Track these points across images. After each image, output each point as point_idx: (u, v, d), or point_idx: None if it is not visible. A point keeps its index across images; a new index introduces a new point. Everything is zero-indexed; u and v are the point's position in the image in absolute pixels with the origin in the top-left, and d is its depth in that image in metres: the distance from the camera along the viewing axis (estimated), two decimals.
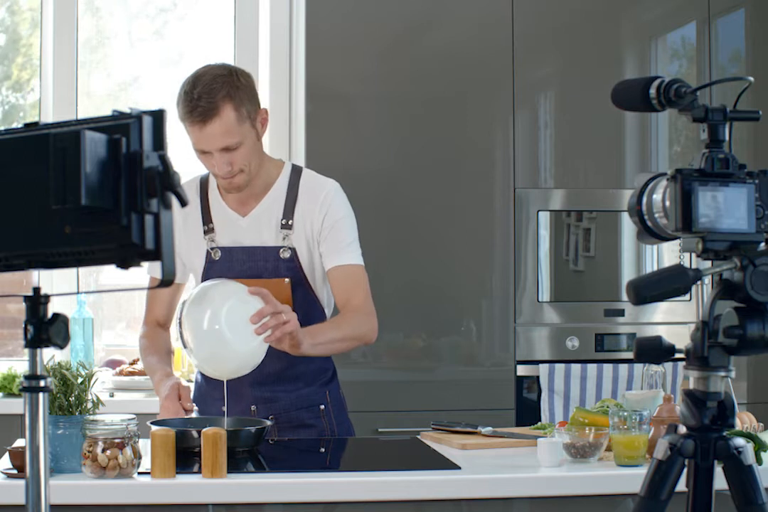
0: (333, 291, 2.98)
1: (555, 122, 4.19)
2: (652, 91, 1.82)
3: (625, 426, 2.53)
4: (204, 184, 3.05)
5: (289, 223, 2.95)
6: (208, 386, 3.04)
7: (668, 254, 4.18)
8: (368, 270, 3.03)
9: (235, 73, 2.85)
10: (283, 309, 2.66)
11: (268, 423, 2.74)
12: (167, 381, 2.86)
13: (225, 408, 2.86)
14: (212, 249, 2.98)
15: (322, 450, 2.91)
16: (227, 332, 2.67)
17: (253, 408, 2.97)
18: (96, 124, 1.50)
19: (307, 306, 2.96)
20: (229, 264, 2.96)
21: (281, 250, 2.95)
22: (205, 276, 2.98)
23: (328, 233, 2.94)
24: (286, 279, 2.94)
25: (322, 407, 3.00)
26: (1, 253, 1.55)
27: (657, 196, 1.79)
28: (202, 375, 3.05)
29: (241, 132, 2.83)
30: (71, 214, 1.47)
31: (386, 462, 2.73)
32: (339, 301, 2.96)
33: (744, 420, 2.74)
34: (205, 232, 2.99)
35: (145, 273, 2.98)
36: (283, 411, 2.97)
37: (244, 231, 2.97)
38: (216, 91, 2.79)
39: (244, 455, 2.64)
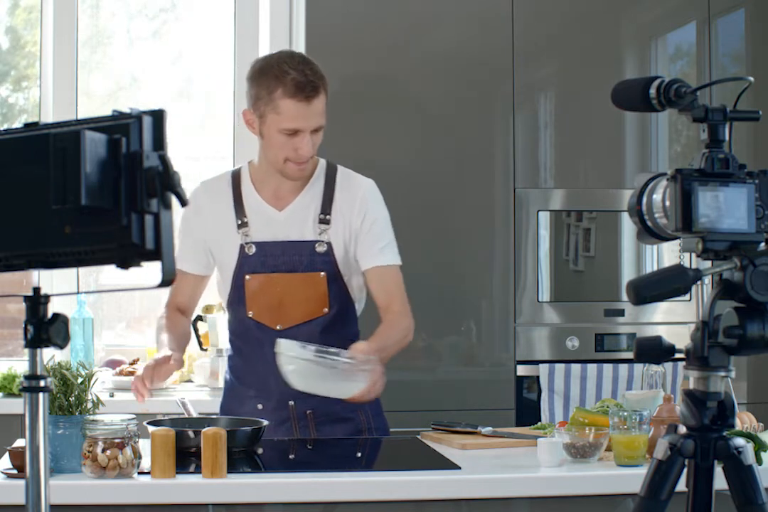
0: (373, 292, 3.00)
1: (555, 122, 4.19)
2: (652, 91, 1.82)
3: (625, 426, 2.53)
4: (236, 178, 3.05)
5: (327, 218, 2.96)
6: (242, 386, 3.03)
7: (668, 254, 4.18)
8: None
9: (317, 65, 2.93)
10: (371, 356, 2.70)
11: (265, 422, 2.73)
12: (156, 354, 2.87)
13: (260, 407, 2.92)
14: (246, 243, 2.97)
15: (323, 450, 2.91)
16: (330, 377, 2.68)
17: (291, 403, 2.96)
18: (96, 124, 1.50)
19: (341, 301, 2.98)
20: (263, 258, 2.96)
21: (317, 244, 2.96)
22: (239, 271, 2.97)
23: (367, 233, 2.97)
24: (322, 273, 2.95)
25: None
26: (1, 253, 1.55)
27: (657, 196, 1.79)
28: (233, 375, 3.06)
29: (325, 114, 2.90)
30: (71, 214, 1.47)
31: (386, 462, 2.73)
32: (381, 303, 2.99)
33: (744, 420, 2.74)
34: (239, 226, 2.98)
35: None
36: (319, 407, 2.95)
37: (281, 225, 2.98)
38: (315, 71, 2.88)
39: (241, 455, 2.63)
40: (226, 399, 3.08)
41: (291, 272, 2.94)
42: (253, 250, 2.96)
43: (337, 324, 2.98)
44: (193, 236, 3.04)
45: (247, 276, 2.96)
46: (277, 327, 2.95)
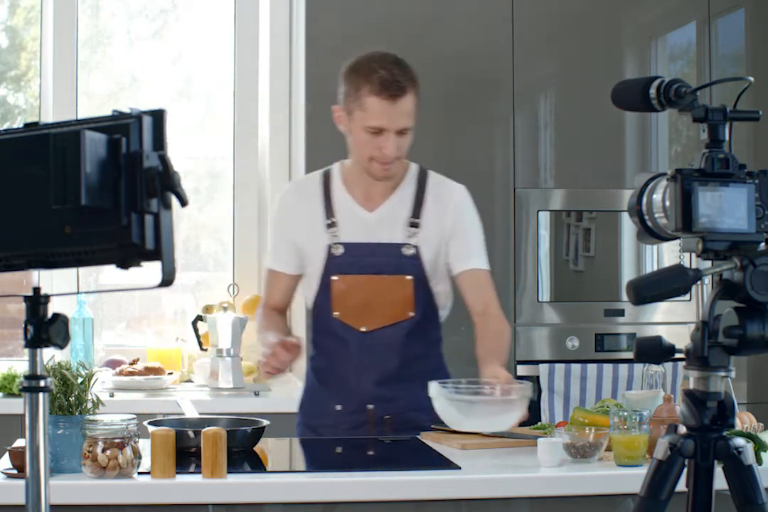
0: (466, 295, 3.00)
1: (555, 122, 4.19)
2: (652, 91, 1.82)
3: (625, 426, 2.53)
4: (327, 177, 3.05)
5: (417, 221, 2.97)
6: (322, 386, 3.03)
7: (668, 254, 4.18)
8: None
9: (410, 66, 2.94)
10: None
11: (265, 422, 2.73)
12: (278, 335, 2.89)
13: (339, 408, 2.94)
14: (334, 244, 2.97)
15: (323, 450, 2.91)
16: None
17: (370, 406, 2.96)
18: (96, 124, 1.50)
19: (426, 305, 2.99)
20: (351, 259, 2.96)
21: (405, 247, 2.96)
22: (326, 271, 2.97)
23: (459, 238, 2.97)
24: (409, 276, 2.95)
25: None
26: (1, 253, 1.55)
27: (657, 196, 1.79)
28: (314, 375, 3.06)
29: (414, 116, 2.90)
30: (71, 214, 1.47)
31: (386, 462, 2.73)
32: (475, 306, 2.99)
33: (744, 420, 2.74)
34: (328, 226, 2.98)
35: (267, 265, 3.10)
36: (398, 412, 2.95)
37: (370, 226, 2.98)
38: (405, 73, 2.88)
39: (241, 455, 2.63)
40: (306, 398, 3.08)
41: (378, 274, 2.95)
42: (341, 250, 2.96)
43: (422, 329, 2.99)
44: (285, 235, 3.05)
45: (334, 277, 2.96)
46: (362, 329, 2.96)
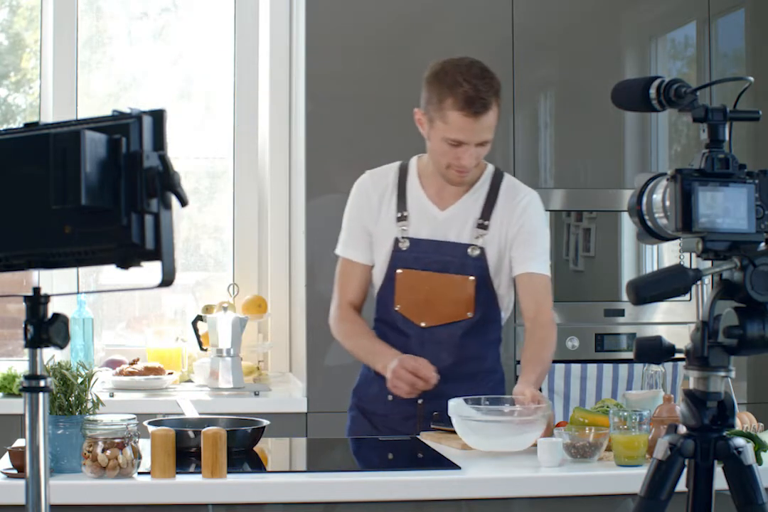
0: (521, 298, 3.00)
1: (555, 122, 4.19)
2: (652, 91, 1.82)
3: (625, 426, 2.53)
4: (403, 171, 3.06)
5: (485, 223, 2.98)
6: (377, 375, 3.00)
7: (668, 254, 4.18)
8: None
9: (492, 72, 2.91)
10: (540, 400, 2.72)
11: (266, 422, 2.73)
12: (395, 362, 2.86)
13: (390, 398, 2.92)
14: (402, 238, 2.99)
15: (323, 450, 2.91)
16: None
17: (419, 401, 2.96)
18: (96, 124, 1.50)
19: (487, 307, 2.99)
20: (416, 255, 2.98)
21: (470, 247, 2.97)
22: (391, 265, 2.99)
23: (523, 240, 2.98)
24: (472, 277, 2.96)
25: None
26: (1, 253, 1.55)
27: (657, 196, 1.79)
28: (368, 368, 3.06)
29: (494, 128, 2.89)
30: (71, 214, 1.47)
31: (386, 462, 2.73)
32: (528, 310, 2.98)
33: (744, 420, 2.74)
34: (398, 219, 3.00)
35: (338, 252, 3.07)
36: (446, 410, 2.95)
37: (440, 224, 2.99)
38: (490, 86, 2.85)
39: (241, 455, 2.63)
40: (362, 383, 3.09)
41: (441, 272, 2.96)
42: (407, 244, 2.98)
43: (479, 329, 3.00)
44: (361, 223, 3.05)
45: (399, 271, 2.98)
46: (422, 324, 2.98)
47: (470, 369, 3.01)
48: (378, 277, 3.04)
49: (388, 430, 2.99)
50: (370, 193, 3.05)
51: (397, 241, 2.99)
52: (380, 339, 3.01)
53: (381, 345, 2.97)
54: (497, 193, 3.01)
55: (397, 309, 2.99)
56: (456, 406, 2.67)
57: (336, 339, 3.11)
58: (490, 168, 3.05)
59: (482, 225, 2.98)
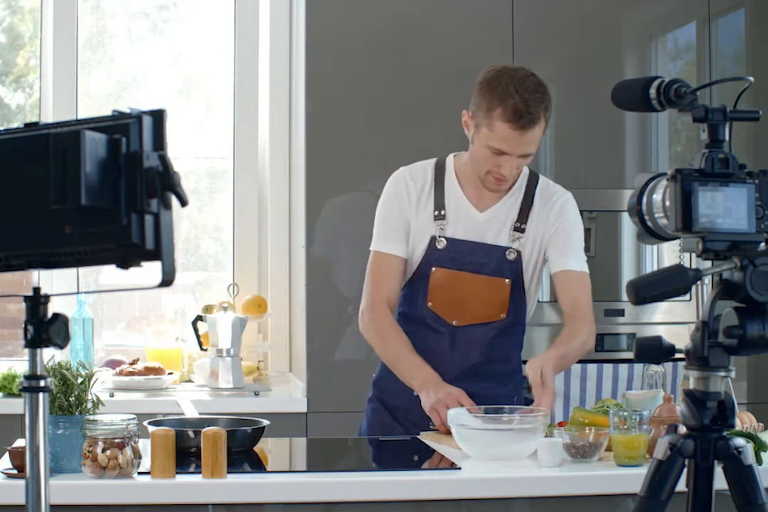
0: (559, 295, 3.00)
1: (555, 122, 4.19)
2: (652, 91, 1.82)
3: (625, 426, 2.53)
4: (440, 168, 3.05)
5: (522, 226, 2.99)
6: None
7: (668, 254, 4.18)
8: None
9: (546, 86, 2.89)
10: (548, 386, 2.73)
11: (266, 422, 2.73)
12: (444, 387, 2.86)
13: (416, 393, 2.91)
14: (439, 237, 2.99)
15: (323, 450, 2.91)
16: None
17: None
18: (96, 124, 1.50)
19: (518, 309, 3.01)
20: (452, 254, 2.98)
21: (508, 251, 2.98)
22: (425, 262, 2.99)
23: (560, 239, 2.99)
24: (507, 280, 2.98)
25: None
26: (1, 253, 1.55)
27: (657, 196, 1.79)
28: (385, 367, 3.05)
29: (539, 141, 2.90)
30: (71, 214, 1.47)
31: (386, 462, 2.73)
32: (566, 308, 2.98)
33: (744, 420, 2.74)
34: (436, 218, 3.00)
35: (374, 248, 3.03)
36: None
37: (479, 225, 3.00)
38: (540, 101, 2.84)
39: (241, 455, 2.63)
40: (384, 376, 3.07)
41: (477, 273, 2.97)
42: (444, 243, 2.98)
43: (509, 331, 3.02)
44: (400, 217, 3.03)
45: (434, 268, 2.99)
46: (454, 323, 2.99)
47: (497, 369, 3.02)
48: (408, 272, 3.04)
49: (409, 423, 2.99)
50: (409, 186, 3.03)
51: (433, 239, 2.99)
52: (407, 336, 2.98)
53: (419, 361, 2.92)
54: (533, 196, 3.02)
55: (429, 306, 2.99)
56: (455, 415, 2.66)
57: (364, 335, 3.06)
58: (525, 170, 3.06)
59: (519, 228, 2.99)
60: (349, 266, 3.96)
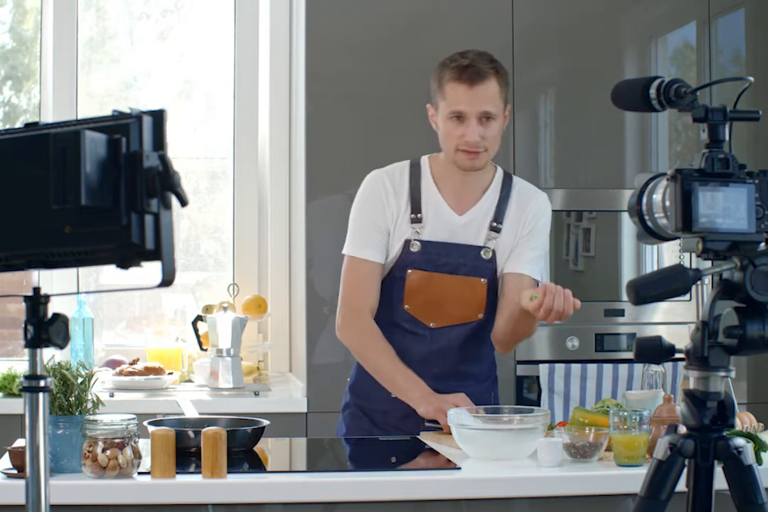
0: (506, 294, 2.97)
1: (555, 122, 4.19)
2: (652, 91, 1.82)
3: (625, 426, 2.53)
4: (415, 169, 3.03)
5: (498, 226, 2.98)
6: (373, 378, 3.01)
7: (668, 254, 4.18)
8: None
9: (499, 63, 2.93)
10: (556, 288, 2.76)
11: (266, 422, 2.73)
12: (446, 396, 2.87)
13: (394, 395, 2.92)
14: (414, 240, 2.97)
15: (323, 450, 2.91)
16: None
17: None
18: (96, 124, 1.50)
19: (492, 308, 3.00)
20: (427, 257, 2.96)
21: (483, 250, 2.97)
22: (400, 265, 2.97)
23: (525, 242, 2.98)
24: (483, 280, 2.97)
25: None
26: (1, 253, 1.55)
27: (657, 196, 1.79)
28: (361, 367, 3.04)
29: (499, 106, 2.89)
30: (71, 214, 1.47)
31: (386, 462, 2.73)
32: (509, 308, 2.93)
33: (744, 420, 2.74)
34: (412, 221, 2.97)
35: (347, 252, 3.00)
36: None
37: (458, 229, 2.98)
38: (486, 62, 2.88)
39: (241, 455, 2.63)
40: (359, 381, 3.05)
41: (453, 274, 2.96)
42: (418, 246, 2.96)
43: (485, 330, 3.01)
44: (375, 221, 2.99)
45: (409, 271, 2.96)
46: (431, 325, 2.98)
47: (472, 369, 3.02)
48: (383, 274, 3.01)
49: (388, 427, 2.98)
50: (386, 189, 2.99)
51: (407, 242, 2.97)
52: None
53: (412, 373, 2.91)
54: (509, 195, 3.01)
55: (406, 308, 2.98)
56: (455, 415, 2.66)
57: (345, 343, 3.03)
58: (500, 170, 3.05)
59: (495, 228, 2.98)
60: None
